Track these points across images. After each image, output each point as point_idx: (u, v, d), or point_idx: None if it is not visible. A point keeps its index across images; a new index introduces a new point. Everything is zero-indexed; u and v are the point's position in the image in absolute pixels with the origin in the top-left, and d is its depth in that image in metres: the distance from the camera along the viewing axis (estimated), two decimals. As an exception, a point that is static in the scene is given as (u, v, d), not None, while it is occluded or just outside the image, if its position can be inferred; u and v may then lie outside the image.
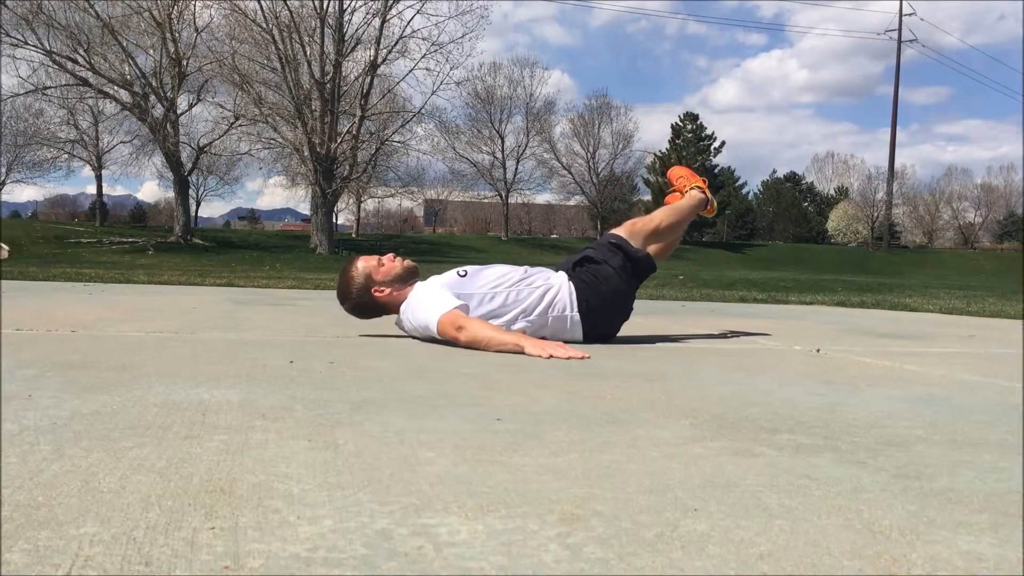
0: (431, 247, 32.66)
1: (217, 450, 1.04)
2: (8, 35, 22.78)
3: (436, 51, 26.19)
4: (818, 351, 2.62)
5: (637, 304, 2.86)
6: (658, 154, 47.45)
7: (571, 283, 2.65)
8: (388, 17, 25.34)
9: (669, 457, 1.08)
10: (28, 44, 23.15)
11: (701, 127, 48.97)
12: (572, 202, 49.68)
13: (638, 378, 1.86)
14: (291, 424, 1.23)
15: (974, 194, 56.50)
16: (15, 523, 0.74)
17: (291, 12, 23.90)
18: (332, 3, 24.92)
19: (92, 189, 46.64)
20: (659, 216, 2.91)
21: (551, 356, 2.18)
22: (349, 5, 25.41)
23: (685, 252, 37.45)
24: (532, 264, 2.86)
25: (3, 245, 19.70)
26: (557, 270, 2.73)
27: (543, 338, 2.46)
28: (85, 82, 24.53)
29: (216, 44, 24.85)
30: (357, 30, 25.72)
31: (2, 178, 37.82)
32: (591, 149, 45.42)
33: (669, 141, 48.65)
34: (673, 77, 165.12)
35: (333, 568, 0.67)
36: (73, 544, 0.70)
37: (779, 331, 3.44)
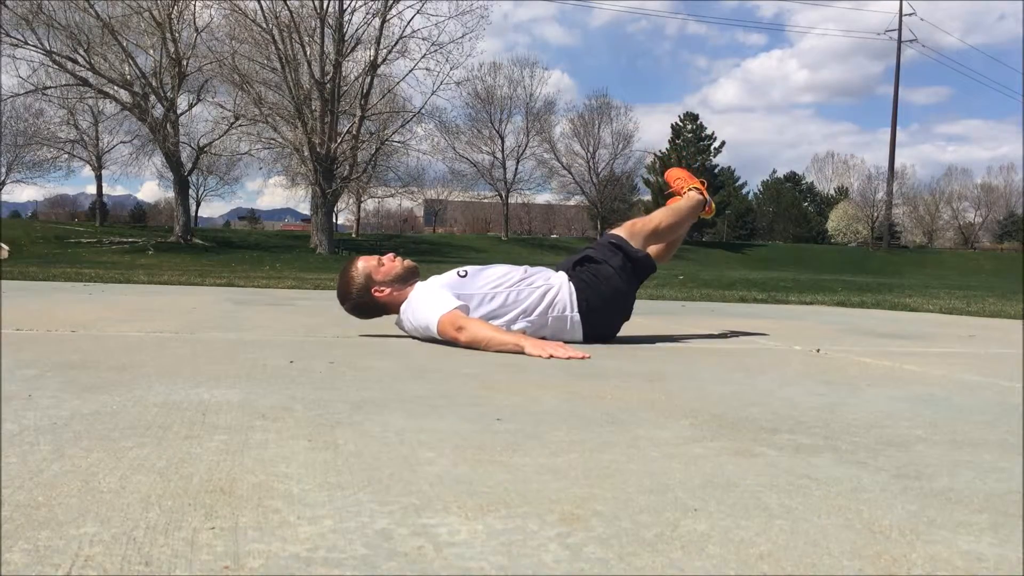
0: (431, 247, 32.66)
1: (217, 450, 1.04)
2: (8, 35, 22.78)
3: (436, 51, 26.22)
4: (818, 351, 2.62)
5: (637, 304, 2.86)
6: (658, 154, 47.48)
7: (571, 283, 2.65)
8: (388, 17, 25.35)
9: (669, 457, 1.08)
10: (28, 44, 23.16)
11: (701, 127, 48.99)
12: (572, 202, 49.69)
13: (638, 378, 1.86)
14: (291, 424, 1.23)
15: (974, 194, 56.53)
16: (15, 523, 0.74)
17: (291, 12, 23.90)
18: (332, 3, 24.92)
19: (92, 189, 46.67)
20: (658, 217, 2.91)
21: (551, 356, 2.18)
22: (349, 5, 25.43)
23: (685, 252, 37.45)
24: (532, 264, 2.86)
25: (3, 245, 19.70)
26: (557, 270, 2.73)
27: (543, 338, 2.46)
28: (85, 82, 24.52)
29: (216, 44, 24.85)
30: (357, 30, 25.74)
31: (2, 178, 37.85)
32: (591, 149, 45.43)
33: (669, 141, 48.69)
34: (673, 77, 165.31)
35: (333, 568, 0.67)
36: (73, 544, 0.70)
37: (779, 331, 3.44)
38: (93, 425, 1.17)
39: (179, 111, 26.54)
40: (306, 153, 24.49)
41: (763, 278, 13.88)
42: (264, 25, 23.76)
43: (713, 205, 3.09)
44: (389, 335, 2.67)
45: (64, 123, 32.42)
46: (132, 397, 1.41)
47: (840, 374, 2.05)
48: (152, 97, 25.12)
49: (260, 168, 34.09)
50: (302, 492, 0.87)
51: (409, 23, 25.82)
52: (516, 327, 2.54)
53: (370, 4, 25.43)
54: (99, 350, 2.07)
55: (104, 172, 38.96)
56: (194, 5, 24.65)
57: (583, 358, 2.18)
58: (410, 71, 26.76)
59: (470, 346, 2.34)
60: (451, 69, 26.67)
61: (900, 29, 46.75)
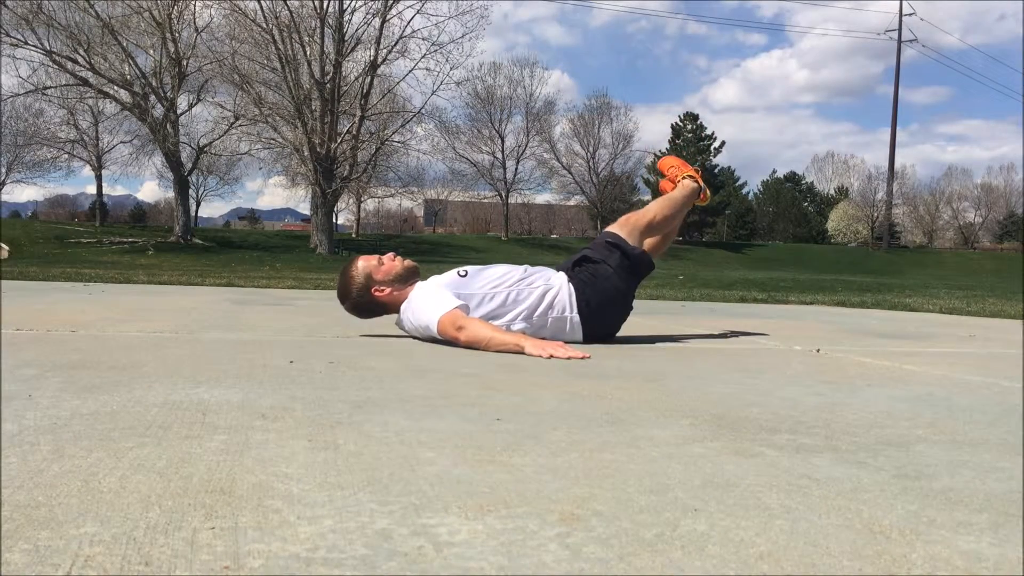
0: (431, 247, 32.65)
1: (217, 450, 1.04)
2: (8, 35, 22.77)
3: (436, 51, 26.24)
4: (818, 351, 2.62)
5: (637, 304, 2.86)
6: (658, 154, 47.36)
7: (571, 284, 2.64)
8: (388, 17, 25.35)
9: (669, 457, 1.08)
10: (28, 44, 23.16)
11: (701, 127, 49.06)
12: (572, 202, 49.74)
13: (638, 378, 1.86)
14: (291, 424, 1.23)
15: (974, 194, 56.55)
16: (15, 523, 0.74)
17: (291, 12, 23.90)
18: (332, 3, 24.94)
19: (92, 189, 46.71)
20: (653, 209, 2.90)
21: (551, 356, 2.18)
22: (349, 5, 25.44)
23: (685, 252, 37.49)
24: (532, 264, 2.86)
25: (3, 245, 19.70)
26: (558, 270, 2.73)
27: (543, 338, 2.46)
28: (85, 82, 24.52)
29: (216, 44, 24.86)
30: (357, 30, 25.74)
31: (2, 178, 37.90)
32: (591, 149, 45.45)
33: (669, 141, 48.74)
34: (673, 77, 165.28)
35: (333, 568, 0.67)
36: (73, 544, 0.70)
37: (779, 331, 3.44)
38: (93, 425, 1.17)
39: (179, 111, 26.54)
40: (306, 153, 24.50)
41: (763, 278, 13.88)
42: (264, 25, 23.76)
43: (708, 192, 3.06)
44: (389, 335, 2.67)
45: (64, 123, 32.47)
46: (132, 397, 1.41)
47: (840, 374, 2.05)
48: (152, 97, 25.12)
49: (260, 168, 34.10)
50: (302, 492, 0.87)
51: (409, 23, 25.87)
52: (516, 327, 2.54)
53: (370, 4, 25.47)
54: (99, 350, 2.07)
55: (104, 172, 39.06)
56: (194, 5, 24.67)
57: (583, 358, 2.18)
58: (410, 71, 26.81)
59: (470, 346, 2.34)
60: (451, 69, 26.74)
61: (900, 29, 46.80)
